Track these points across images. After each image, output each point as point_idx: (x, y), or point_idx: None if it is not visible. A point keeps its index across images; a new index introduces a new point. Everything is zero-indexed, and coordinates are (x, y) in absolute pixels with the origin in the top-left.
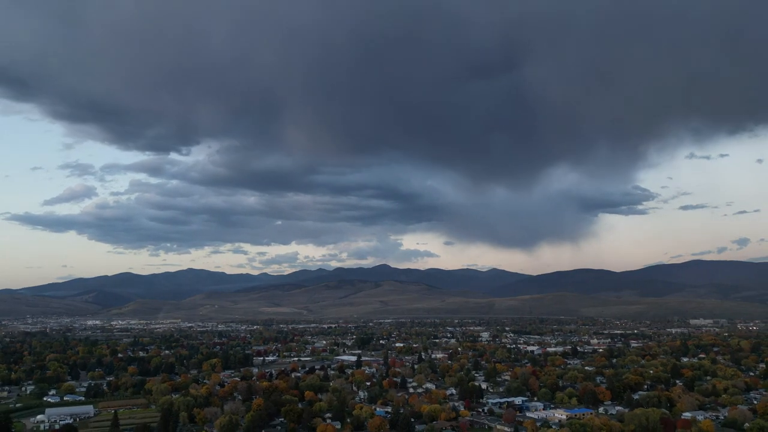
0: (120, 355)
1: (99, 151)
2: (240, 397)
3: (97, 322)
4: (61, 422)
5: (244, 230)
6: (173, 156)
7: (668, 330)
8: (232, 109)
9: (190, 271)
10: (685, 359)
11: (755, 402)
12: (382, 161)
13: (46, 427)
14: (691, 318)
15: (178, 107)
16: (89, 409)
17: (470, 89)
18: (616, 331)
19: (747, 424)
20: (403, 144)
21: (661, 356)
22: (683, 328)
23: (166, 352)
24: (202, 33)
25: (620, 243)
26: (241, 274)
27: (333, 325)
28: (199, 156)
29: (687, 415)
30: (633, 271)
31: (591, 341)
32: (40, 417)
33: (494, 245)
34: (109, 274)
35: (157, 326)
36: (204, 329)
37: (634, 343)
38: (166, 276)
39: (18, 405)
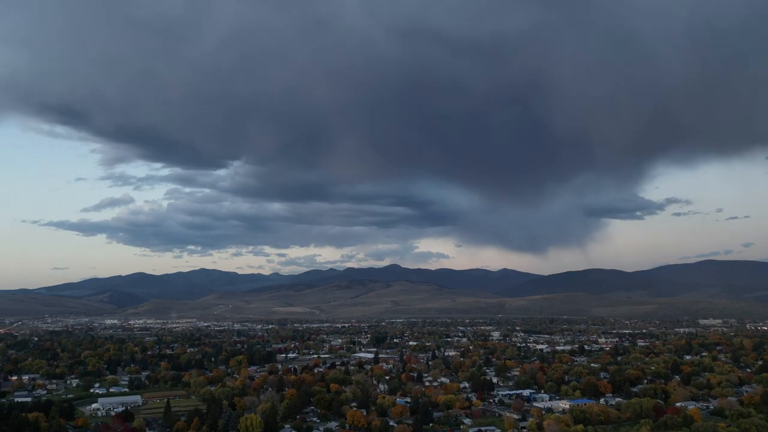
0: (149, 352)
1: (141, 166)
2: (271, 389)
3: (116, 321)
4: (114, 410)
5: (266, 234)
6: (208, 170)
7: (677, 330)
8: (278, 137)
9: (203, 271)
10: (688, 357)
11: (745, 394)
12: (407, 174)
13: (103, 414)
14: (701, 318)
15: (227, 140)
16: (137, 398)
17: (496, 117)
18: (624, 331)
19: (728, 411)
20: (431, 164)
21: (665, 354)
22: (692, 327)
23: (190, 349)
24: (253, 68)
25: (627, 245)
26: (253, 274)
27: (346, 325)
28: (233, 171)
29: (679, 404)
30: (644, 271)
31: (599, 340)
32: (95, 405)
33: (506, 249)
34: (123, 274)
35: (174, 325)
36: (221, 328)
37: (641, 342)
38: (179, 276)
39: (69, 396)
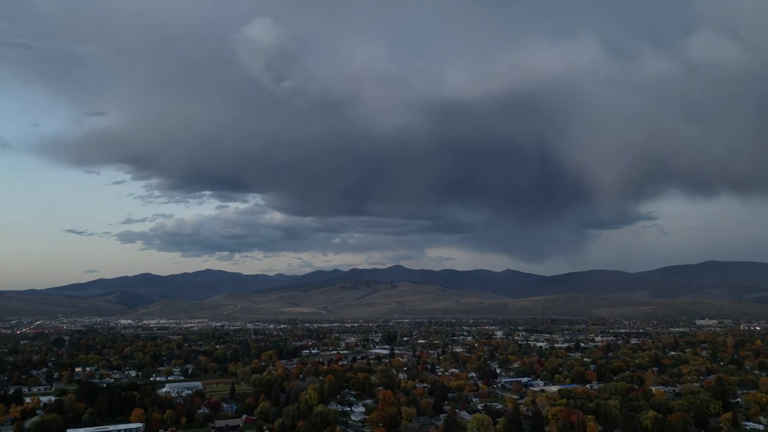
0: (183, 348)
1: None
2: (310, 376)
3: (130, 321)
4: (184, 392)
5: (290, 241)
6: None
7: (671, 329)
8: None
9: (208, 272)
10: (673, 353)
11: (705, 380)
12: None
13: (175, 395)
14: (698, 318)
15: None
16: (198, 384)
17: (518, 162)
18: (621, 330)
19: (683, 391)
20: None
21: (652, 350)
22: (687, 327)
23: (218, 346)
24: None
25: (611, 250)
26: (257, 275)
27: (355, 325)
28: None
29: (650, 388)
30: (647, 272)
31: (595, 338)
32: (165, 389)
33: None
34: (130, 275)
35: (189, 325)
36: (236, 328)
37: (634, 341)
38: (185, 277)
39: (138, 382)
